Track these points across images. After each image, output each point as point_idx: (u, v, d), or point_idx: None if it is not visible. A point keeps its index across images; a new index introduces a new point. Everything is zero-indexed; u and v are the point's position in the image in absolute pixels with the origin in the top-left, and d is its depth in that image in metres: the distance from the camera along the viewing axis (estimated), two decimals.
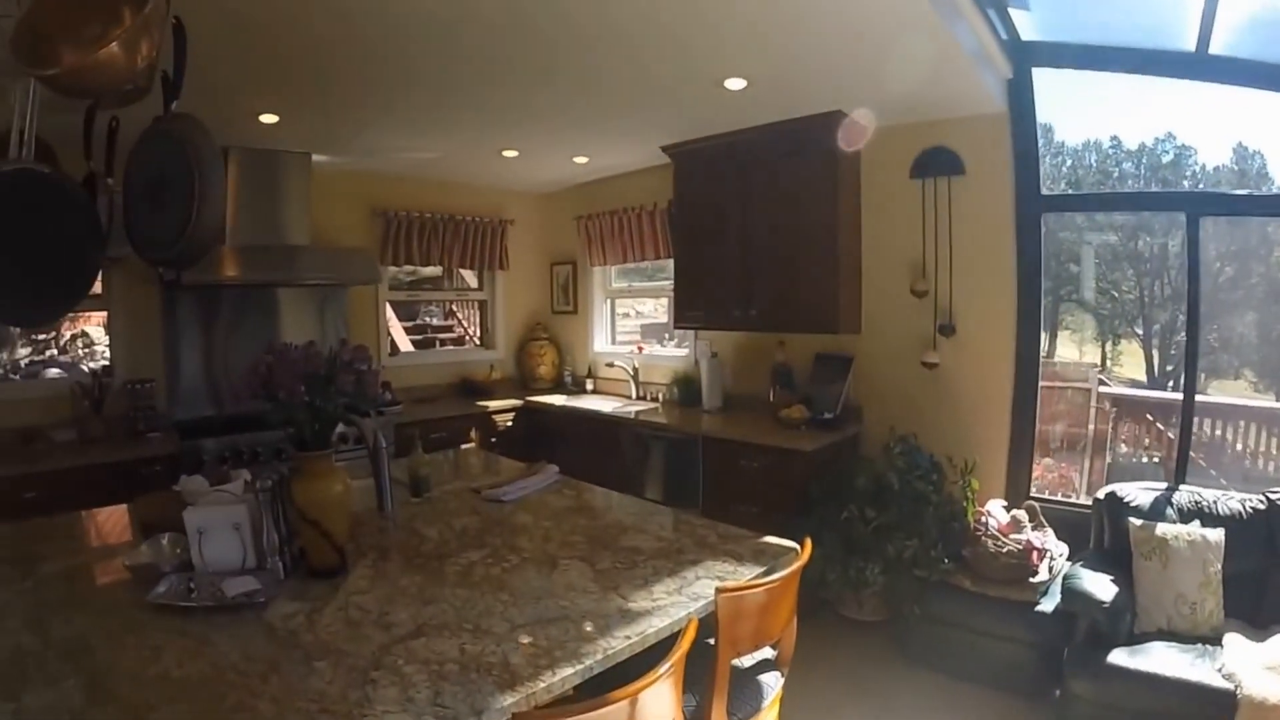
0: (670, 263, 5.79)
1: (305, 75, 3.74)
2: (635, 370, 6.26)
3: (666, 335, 6.93)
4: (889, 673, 3.82)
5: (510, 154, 5.55)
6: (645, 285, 6.89)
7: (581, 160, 5.87)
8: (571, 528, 2.72)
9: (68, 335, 6.20)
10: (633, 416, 5.44)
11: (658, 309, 7.27)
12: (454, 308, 8.62)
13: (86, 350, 6.05)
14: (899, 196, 4.65)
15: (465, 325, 8.62)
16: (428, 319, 8.62)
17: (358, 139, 5.07)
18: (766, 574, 2.21)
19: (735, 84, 3.94)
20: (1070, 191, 5.02)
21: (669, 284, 5.76)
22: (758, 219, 4.88)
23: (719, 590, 1.91)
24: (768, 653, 2.34)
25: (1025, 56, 4.12)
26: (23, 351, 5.88)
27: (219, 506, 2.26)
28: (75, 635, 1.87)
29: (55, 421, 4.83)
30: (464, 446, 4.74)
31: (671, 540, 2.55)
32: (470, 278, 7.70)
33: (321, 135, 4.95)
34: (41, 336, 5.99)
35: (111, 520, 3.09)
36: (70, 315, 5.91)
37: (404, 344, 8.49)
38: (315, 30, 3.15)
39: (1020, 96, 4.19)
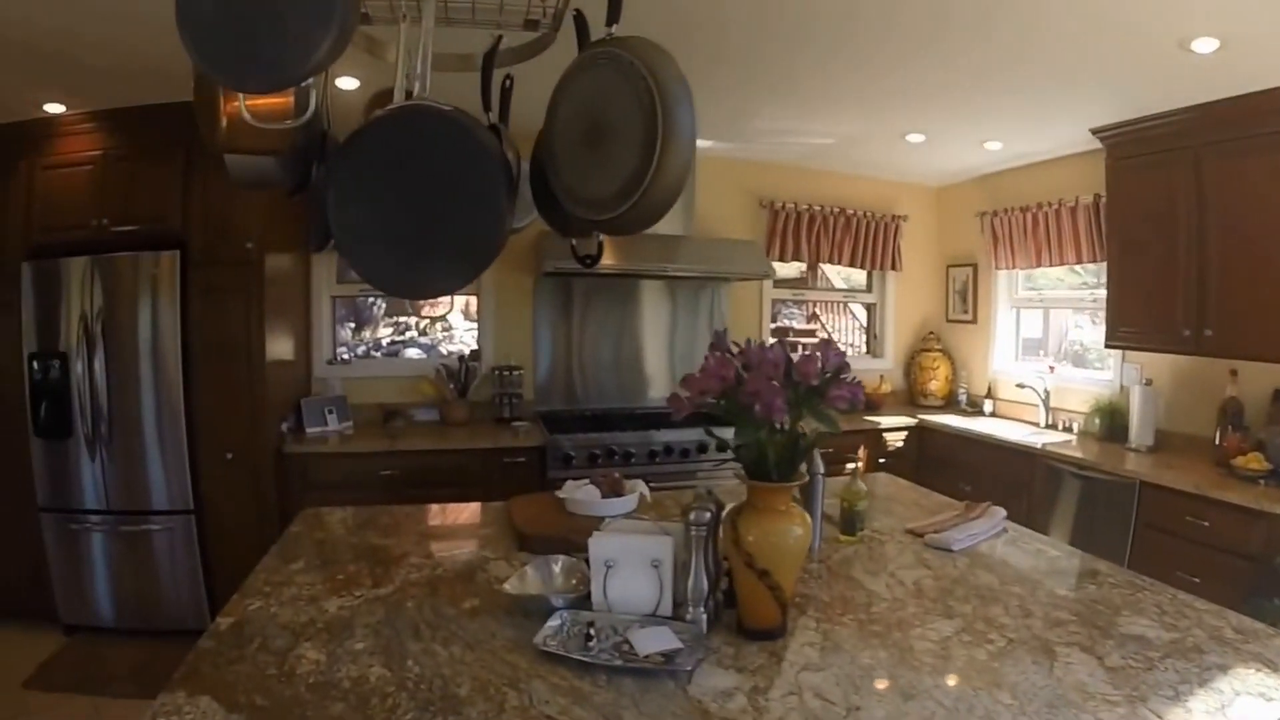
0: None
1: (703, 49, 3.90)
2: (1047, 394, 5.96)
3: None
4: None
5: (915, 138, 5.57)
6: (1064, 294, 6.47)
7: (994, 147, 5.76)
8: (1049, 597, 2.32)
9: (428, 318, 6.70)
10: (1040, 448, 5.23)
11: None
12: (816, 310, 8.50)
13: (445, 334, 6.51)
14: None
15: (829, 330, 8.47)
16: (788, 321, 8.55)
17: (748, 123, 5.20)
18: None
19: (1204, 45, 3.53)
20: None
21: (1077, 294, 5.28)
22: (1215, 218, 4.46)
23: None
24: None
25: None
26: (384, 331, 6.43)
27: (637, 537, 2.03)
28: (438, 676, 1.72)
29: (416, 401, 5.52)
30: (848, 467, 4.58)
31: (1180, 629, 2.09)
32: (835, 278, 7.54)
33: (710, 118, 5.15)
34: (402, 318, 6.52)
35: (480, 519, 3.09)
36: (431, 299, 6.37)
37: None
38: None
39: None
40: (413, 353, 6.37)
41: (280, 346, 4.98)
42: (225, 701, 1.59)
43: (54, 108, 4.79)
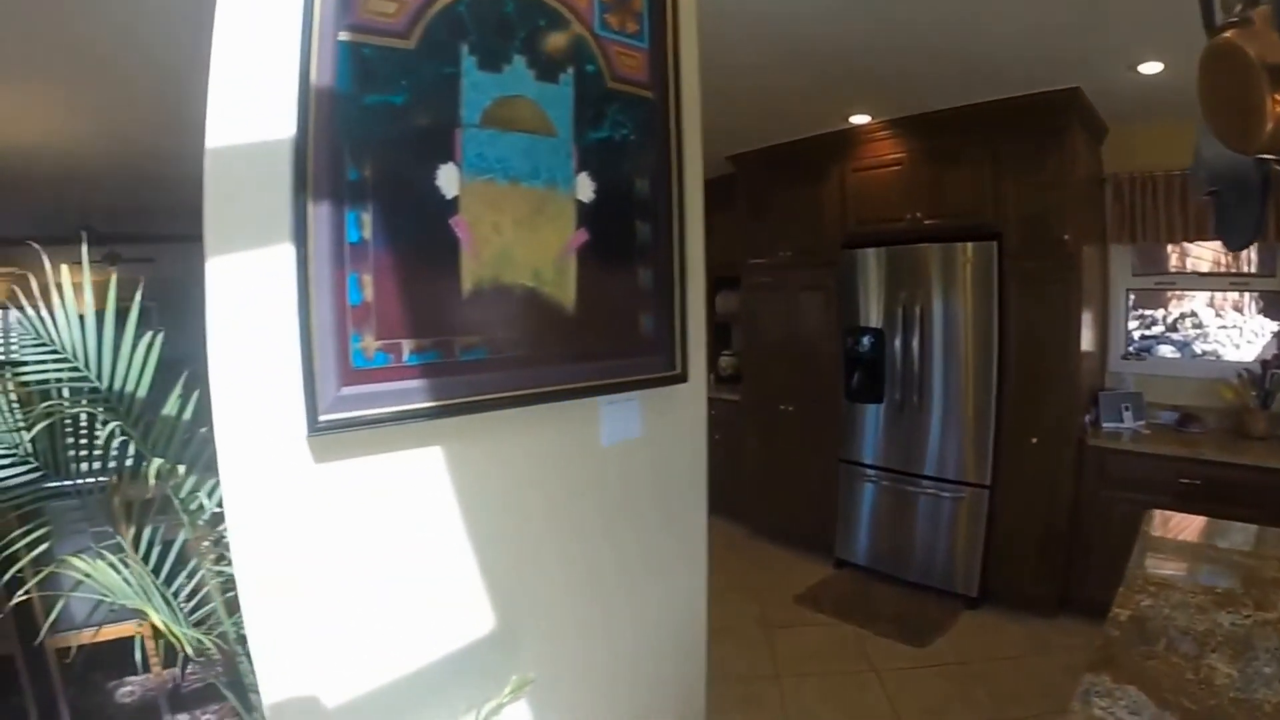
0: None
1: None
2: None
3: None
4: None
5: None
6: None
7: None
8: None
9: (1175, 313, 6.31)
10: None
11: None
12: None
13: (1196, 331, 6.06)
14: None
15: None
16: None
17: None
18: None
19: None
20: None
21: None
22: None
23: None
24: None
25: None
26: (1131, 324, 6.17)
27: None
28: None
29: (1211, 406, 5.08)
30: None
31: None
32: None
33: None
34: (1147, 311, 6.20)
35: None
36: (1177, 293, 5.94)
37: None
38: None
39: None
40: (1165, 350, 6.05)
41: (1084, 337, 4.99)
42: (1153, 696, 1.62)
43: (859, 119, 5.48)
